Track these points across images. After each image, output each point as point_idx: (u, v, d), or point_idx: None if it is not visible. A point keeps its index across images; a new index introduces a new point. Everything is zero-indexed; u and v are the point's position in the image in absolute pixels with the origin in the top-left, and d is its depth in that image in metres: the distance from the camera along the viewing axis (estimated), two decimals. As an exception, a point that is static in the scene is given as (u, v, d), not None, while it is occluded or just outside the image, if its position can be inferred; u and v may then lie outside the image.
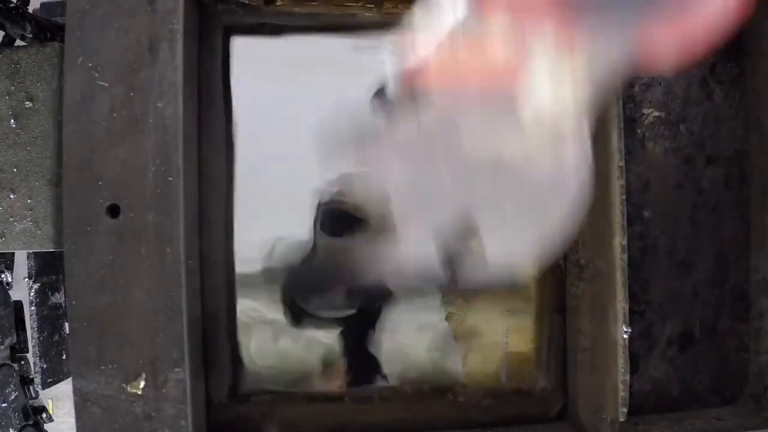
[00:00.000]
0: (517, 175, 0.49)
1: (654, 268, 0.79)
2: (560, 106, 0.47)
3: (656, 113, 0.80)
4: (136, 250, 0.59)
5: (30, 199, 0.63)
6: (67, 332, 0.73)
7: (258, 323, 0.78)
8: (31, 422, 0.93)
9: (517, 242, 0.52)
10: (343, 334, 0.80)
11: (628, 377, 0.62)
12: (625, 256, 0.63)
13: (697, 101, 0.81)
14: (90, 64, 0.59)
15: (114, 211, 0.59)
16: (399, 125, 0.53)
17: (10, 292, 0.93)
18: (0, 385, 0.89)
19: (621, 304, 0.62)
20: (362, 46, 0.81)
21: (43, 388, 0.97)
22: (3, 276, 0.93)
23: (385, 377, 0.80)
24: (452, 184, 0.52)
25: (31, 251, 0.94)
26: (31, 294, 0.97)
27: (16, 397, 0.91)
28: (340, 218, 0.80)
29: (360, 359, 0.79)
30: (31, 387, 0.95)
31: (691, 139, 0.81)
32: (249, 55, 0.77)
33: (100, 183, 0.59)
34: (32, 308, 0.97)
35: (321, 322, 0.80)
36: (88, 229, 0.59)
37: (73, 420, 0.59)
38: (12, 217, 0.63)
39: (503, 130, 0.47)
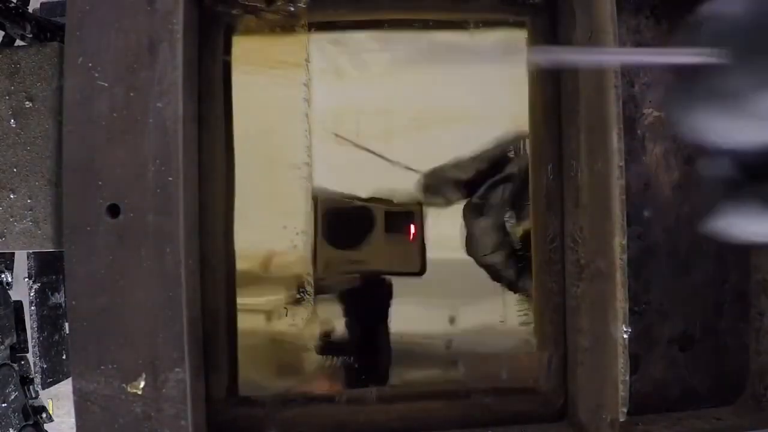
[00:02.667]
0: None
1: (654, 268, 0.79)
2: None
3: (656, 113, 0.80)
4: (136, 250, 0.59)
5: (30, 199, 0.63)
6: (67, 332, 0.73)
7: (257, 323, 0.78)
8: (31, 422, 0.93)
9: None
10: (348, 329, 0.80)
11: (628, 377, 0.62)
12: (625, 256, 0.63)
13: (697, 101, 0.81)
14: (90, 64, 0.59)
15: (114, 211, 0.59)
16: None
17: (10, 292, 0.93)
18: (0, 385, 0.89)
19: (621, 304, 0.62)
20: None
21: (43, 388, 0.97)
22: (3, 276, 0.93)
23: (387, 377, 0.80)
24: None
25: (31, 251, 0.94)
26: (31, 294, 0.97)
27: (16, 397, 0.91)
28: (346, 224, 0.80)
29: (365, 358, 0.79)
30: (31, 387, 0.95)
31: (691, 139, 0.81)
32: (250, 55, 0.77)
33: (100, 183, 0.59)
34: (32, 308, 0.97)
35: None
36: (88, 229, 0.59)
37: (73, 420, 0.59)
38: (12, 217, 0.63)
39: None
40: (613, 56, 0.55)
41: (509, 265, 0.79)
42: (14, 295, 0.94)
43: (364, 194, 0.80)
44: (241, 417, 0.73)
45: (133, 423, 0.59)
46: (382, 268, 0.80)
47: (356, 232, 0.80)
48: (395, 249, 0.81)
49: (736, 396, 0.79)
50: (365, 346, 0.80)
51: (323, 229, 0.79)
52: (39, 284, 0.97)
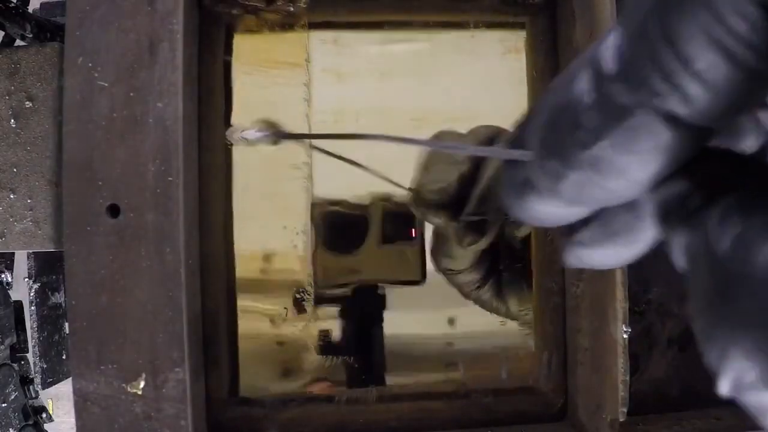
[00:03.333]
0: None
1: (654, 268, 0.79)
2: None
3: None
4: (136, 250, 0.59)
5: (30, 199, 0.63)
6: (67, 332, 0.73)
7: (258, 323, 0.78)
8: (31, 422, 0.93)
9: None
10: (344, 329, 0.80)
11: (628, 377, 0.62)
12: (625, 256, 0.63)
13: (697, 101, 0.81)
14: (90, 64, 0.59)
15: (114, 211, 0.59)
16: None
17: (10, 292, 0.93)
18: (0, 385, 0.89)
19: (621, 304, 0.62)
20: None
21: (43, 388, 0.97)
22: (3, 276, 0.93)
23: (383, 379, 0.80)
24: None
25: (31, 251, 0.94)
26: (31, 294, 0.97)
27: (16, 397, 0.91)
28: (340, 228, 0.80)
29: (362, 360, 0.79)
30: (31, 387, 0.95)
31: (691, 139, 0.81)
32: (250, 55, 0.77)
33: (100, 183, 0.59)
34: (32, 308, 0.97)
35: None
36: (88, 229, 0.59)
37: (73, 420, 0.59)
38: (12, 217, 0.63)
39: None
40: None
41: (489, 286, 0.77)
42: (14, 295, 0.94)
43: (363, 194, 0.80)
44: (241, 417, 0.73)
45: (133, 423, 0.59)
46: (379, 277, 0.80)
47: (353, 236, 0.80)
48: (393, 258, 0.80)
49: (736, 396, 0.79)
50: (365, 347, 0.80)
51: (321, 231, 0.79)
52: (39, 284, 0.97)
